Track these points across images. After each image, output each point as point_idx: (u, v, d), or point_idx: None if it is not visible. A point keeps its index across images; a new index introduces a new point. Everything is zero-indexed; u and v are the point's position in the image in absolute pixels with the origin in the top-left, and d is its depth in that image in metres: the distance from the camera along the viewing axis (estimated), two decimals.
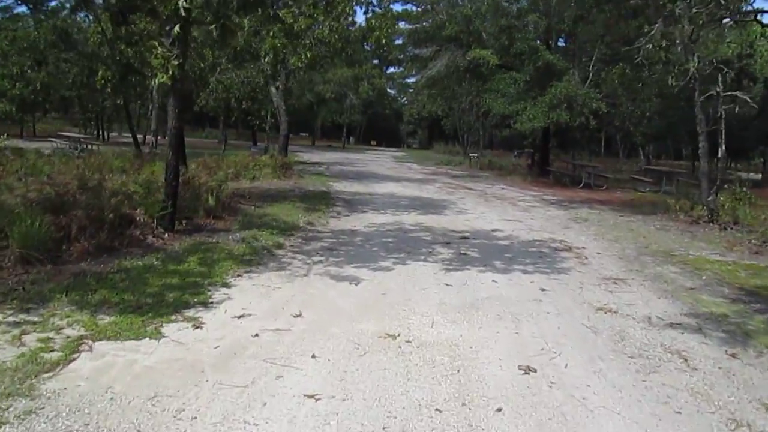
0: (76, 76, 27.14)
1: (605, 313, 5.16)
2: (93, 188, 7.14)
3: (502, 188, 17.77)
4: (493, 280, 6.10)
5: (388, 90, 70.69)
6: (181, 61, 7.54)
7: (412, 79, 73.06)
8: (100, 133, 35.90)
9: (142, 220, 6.85)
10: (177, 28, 6.75)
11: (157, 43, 7.26)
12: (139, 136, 38.68)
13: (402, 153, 49.35)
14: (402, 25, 21.33)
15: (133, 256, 6.03)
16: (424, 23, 21.67)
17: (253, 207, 9.65)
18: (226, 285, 5.42)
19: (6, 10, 29.64)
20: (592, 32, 20.98)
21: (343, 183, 16.22)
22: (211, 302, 4.87)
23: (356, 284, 5.72)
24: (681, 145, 39.12)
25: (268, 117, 25.27)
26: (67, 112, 45.01)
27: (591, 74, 22.25)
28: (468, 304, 5.22)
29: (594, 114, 18.12)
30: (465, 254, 7.43)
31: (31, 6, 30.39)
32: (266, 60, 14.95)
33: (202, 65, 19.10)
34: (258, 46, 15.75)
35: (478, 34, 20.81)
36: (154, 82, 23.95)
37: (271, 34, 15.11)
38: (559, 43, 23.65)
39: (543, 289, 5.84)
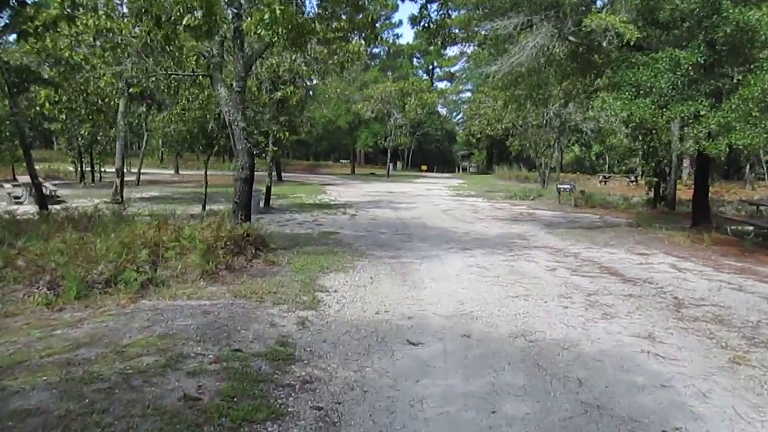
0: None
1: None
2: None
3: (678, 267, 9.00)
4: None
5: (439, 108, 62.73)
6: None
7: (467, 94, 64.70)
8: (92, 171, 28.84)
9: None
10: None
11: None
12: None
13: (458, 181, 40.70)
14: None
15: None
16: None
17: None
18: None
19: None
20: None
21: (356, 273, 7.91)
22: None
23: None
24: None
25: (269, 144, 17.45)
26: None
27: None
28: None
29: None
30: None
31: None
32: (187, 22, 7.03)
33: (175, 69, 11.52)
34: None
35: None
36: (116, 101, 13.94)
37: None
38: None
39: None
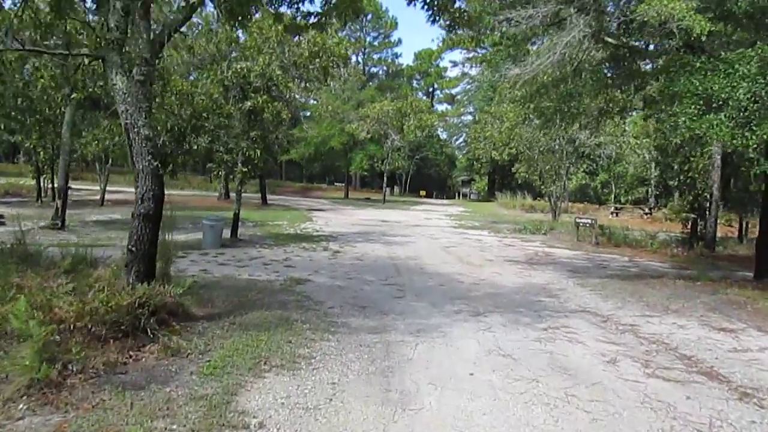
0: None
1: None
2: None
3: None
4: None
5: (439, 131, 60.26)
6: None
7: (468, 117, 62.21)
8: (52, 188, 25.72)
9: None
10: None
11: None
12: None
13: (459, 209, 37.78)
14: None
15: None
16: None
17: None
18: None
19: None
20: None
21: (310, 373, 4.89)
22: None
23: None
24: None
25: (237, 163, 14.51)
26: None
27: None
28: None
29: None
30: None
31: None
32: None
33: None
34: None
35: None
36: (64, 107, 9.50)
37: None
38: None
39: None
